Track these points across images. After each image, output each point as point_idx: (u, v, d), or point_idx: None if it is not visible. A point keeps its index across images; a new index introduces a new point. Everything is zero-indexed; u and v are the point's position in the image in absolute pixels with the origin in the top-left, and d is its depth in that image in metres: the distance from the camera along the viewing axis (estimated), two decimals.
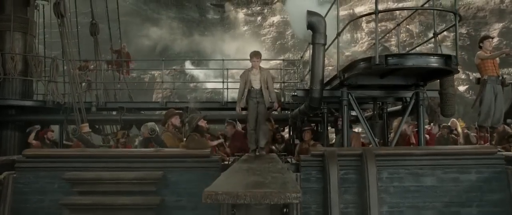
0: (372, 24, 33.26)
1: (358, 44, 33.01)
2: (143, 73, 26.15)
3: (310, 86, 6.41)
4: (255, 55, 6.42)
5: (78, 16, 14.56)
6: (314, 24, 6.28)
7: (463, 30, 29.66)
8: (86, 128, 9.26)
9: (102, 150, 5.60)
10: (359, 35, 31.93)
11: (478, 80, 6.62)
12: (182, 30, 34.12)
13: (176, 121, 6.84)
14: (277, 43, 33.43)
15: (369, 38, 31.62)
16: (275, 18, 36.40)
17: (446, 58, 4.89)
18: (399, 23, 7.20)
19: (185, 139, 6.22)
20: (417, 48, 7.45)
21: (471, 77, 26.21)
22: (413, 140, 7.24)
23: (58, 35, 10.13)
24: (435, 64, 4.85)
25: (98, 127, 11.42)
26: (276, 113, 9.15)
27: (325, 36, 6.35)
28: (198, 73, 22.43)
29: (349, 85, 6.12)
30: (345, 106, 6.12)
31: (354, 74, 5.48)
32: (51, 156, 5.47)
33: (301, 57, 10.97)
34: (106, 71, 14.29)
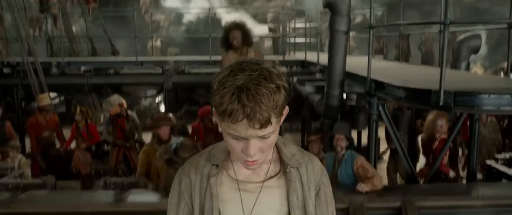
0: None
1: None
2: None
3: (326, 90, 4.73)
4: None
5: None
6: (334, 2, 4.42)
7: None
8: (45, 99, 7.59)
9: (41, 206, 4.03)
10: None
11: None
12: None
13: (164, 133, 4.91)
14: None
15: None
16: None
17: None
18: None
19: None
20: None
21: None
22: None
23: None
24: None
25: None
26: None
27: (349, 20, 4.52)
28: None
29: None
30: (375, 122, 4.50)
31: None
32: None
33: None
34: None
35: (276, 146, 1.58)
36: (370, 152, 4.59)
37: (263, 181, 1.58)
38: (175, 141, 4.40)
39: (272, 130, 1.41)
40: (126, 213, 3.87)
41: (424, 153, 5.48)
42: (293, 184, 1.57)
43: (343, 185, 4.30)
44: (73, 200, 4.00)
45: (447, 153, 4.99)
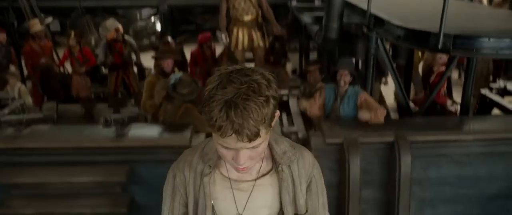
0: None
1: None
2: None
3: (324, 23, 4.63)
4: None
5: None
6: None
7: None
8: (36, 26, 7.47)
9: (44, 141, 4.13)
10: None
11: None
12: None
13: (167, 65, 4.96)
14: None
15: None
16: None
17: None
18: None
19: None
20: None
21: None
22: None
23: None
24: None
25: None
26: None
27: None
28: None
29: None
30: (373, 56, 4.48)
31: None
32: None
33: None
34: None
35: (268, 143, 1.58)
36: (367, 84, 4.62)
37: (255, 179, 1.62)
38: (174, 76, 4.43)
39: (261, 141, 1.41)
40: (127, 148, 4.00)
41: (423, 82, 5.53)
42: (285, 183, 1.62)
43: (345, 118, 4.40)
44: (75, 135, 4.11)
45: (445, 84, 5.04)
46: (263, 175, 1.63)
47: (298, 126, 4.48)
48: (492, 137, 4.07)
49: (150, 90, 4.84)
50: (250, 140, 1.36)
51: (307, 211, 1.69)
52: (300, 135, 4.37)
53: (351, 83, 4.37)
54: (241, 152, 1.42)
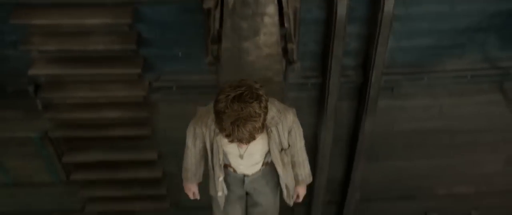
0: None
1: None
2: None
3: None
4: None
5: None
6: None
7: None
8: None
9: None
10: None
11: None
12: None
13: None
14: None
15: None
16: None
17: None
18: None
19: None
20: None
21: None
22: None
23: None
24: None
25: None
26: None
27: None
28: None
29: None
30: None
31: None
32: None
33: None
34: None
35: None
36: None
37: None
38: None
39: (258, 137, 2.13)
40: None
41: None
42: (272, 140, 2.42)
43: None
44: None
45: None
46: None
47: None
48: None
49: None
50: (248, 143, 2.12)
51: (289, 145, 2.48)
52: None
53: None
54: (243, 145, 2.21)
